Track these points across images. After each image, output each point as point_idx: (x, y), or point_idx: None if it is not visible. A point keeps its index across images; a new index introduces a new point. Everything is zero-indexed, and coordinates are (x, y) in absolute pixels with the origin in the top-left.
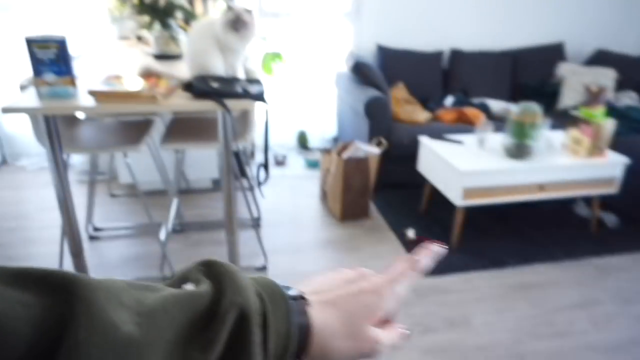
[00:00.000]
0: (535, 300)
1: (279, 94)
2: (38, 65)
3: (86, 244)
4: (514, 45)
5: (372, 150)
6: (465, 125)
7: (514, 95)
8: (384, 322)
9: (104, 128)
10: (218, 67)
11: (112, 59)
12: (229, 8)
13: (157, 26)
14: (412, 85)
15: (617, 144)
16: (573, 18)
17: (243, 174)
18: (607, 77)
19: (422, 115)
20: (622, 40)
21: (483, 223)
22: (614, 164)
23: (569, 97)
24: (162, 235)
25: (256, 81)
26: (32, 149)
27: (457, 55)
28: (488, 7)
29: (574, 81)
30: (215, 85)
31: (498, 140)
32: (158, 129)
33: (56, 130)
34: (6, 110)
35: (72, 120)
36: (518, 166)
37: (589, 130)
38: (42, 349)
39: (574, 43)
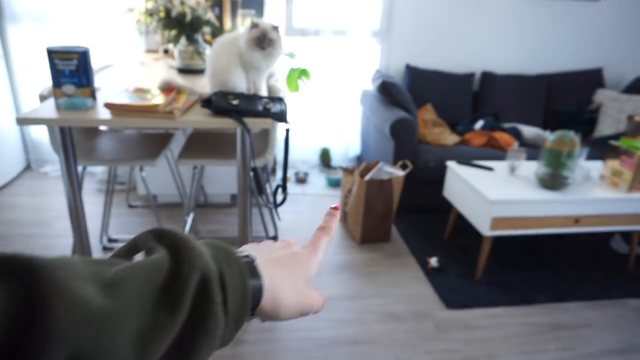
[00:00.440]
0: (566, 342)
1: (303, 110)
2: (58, 76)
3: (99, 254)
4: (549, 70)
5: (397, 173)
6: (494, 150)
7: (547, 121)
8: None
9: (124, 140)
10: (239, 83)
11: (137, 71)
12: (254, 24)
13: (182, 40)
14: (440, 107)
15: None
16: (612, 44)
17: (261, 191)
18: None
19: (450, 138)
20: None
21: (511, 254)
22: None
23: (607, 126)
24: None
25: (278, 99)
26: (56, 156)
27: (488, 77)
28: (522, 30)
29: (613, 109)
30: (235, 102)
31: (531, 168)
32: (179, 141)
33: (71, 141)
34: (21, 121)
35: (92, 131)
36: (552, 197)
37: (631, 162)
38: (13, 336)
39: (613, 70)
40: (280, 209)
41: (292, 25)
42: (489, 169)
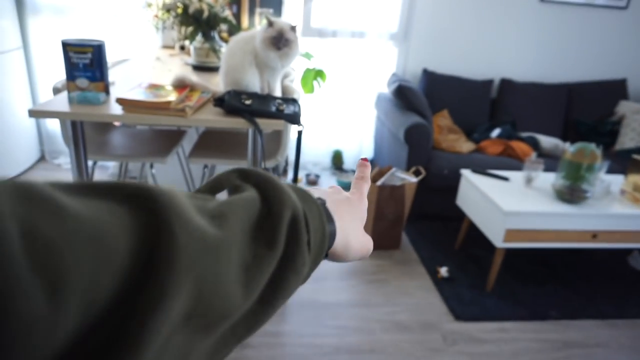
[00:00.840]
0: None
1: (317, 111)
2: (72, 69)
3: None
4: (570, 79)
5: (409, 179)
6: (511, 159)
7: (567, 131)
8: None
9: (136, 135)
10: (253, 83)
11: (152, 66)
12: (270, 23)
13: (199, 37)
14: (457, 113)
15: None
16: (638, 55)
17: None
18: None
19: (465, 145)
20: None
21: (524, 267)
22: None
23: (629, 138)
24: None
25: (292, 100)
26: None
27: (507, 84)
28: (544, 37)
29: (636, 122)
30: (248, 102)
31: (548, 180)
32: (191, 138)
33: (82, 135)
34: (33, 113)
35: (104, 126)
36: (570, 211)
37: None
38: (142, 257)
39: (637, 81)
40: None
41: (310, 26)
42: (505, 178)
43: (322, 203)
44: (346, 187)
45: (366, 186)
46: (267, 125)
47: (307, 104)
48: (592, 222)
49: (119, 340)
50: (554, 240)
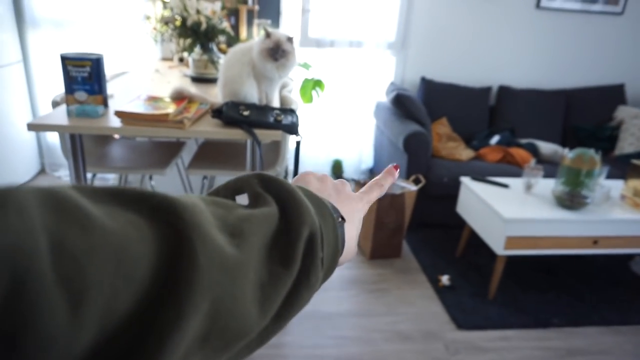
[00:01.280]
0: None
1: (316, 121)
2: (70, 83)
3: None
4: (568, 85)
5: (409, 187)
6: (510, 166)
7: (566, 137)
8: None
9: (135, 148)
10: (251, 94)
11: (151, 78)
12: (267, 34)
13: (197, 49)
14: (455, 121)
15: None
16: (635, 60)
17: None
18: None
19: (464, 153)
20: None
21: (525, 274)
22: None
23: (628, 143)
24: None
25: (290, 111)
26: None
27: (505, 91)
28: (541, 44)
29: (635, 126)
30: (245, 113)
31: (548, 186)
32: (190, 149)
33: (81, 148)
34: (32, 127)
35: (103, 138)
36: (570, 217)
37: None
38: (162, 275)
39: (635, 86)
40: None
41: (308, 36)
42: (504, 185)
43: (338, 215)
44: None
45: (377, 194)
46: (265, 135)
47: (306, 114)
48: (593, 227)
49: (134, 358)
50: (555, 247)
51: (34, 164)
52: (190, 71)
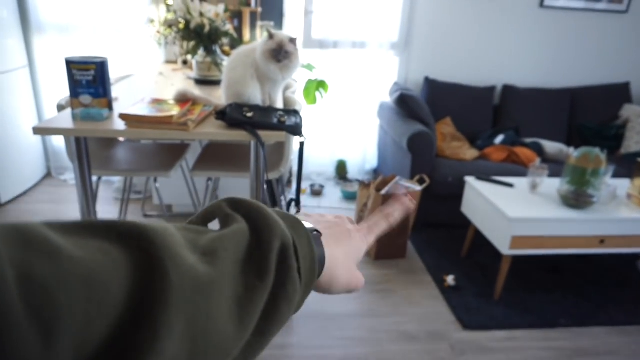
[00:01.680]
0: None
1: (320, 122)
2: (75, 87)
3: None
4: (573, 83)
5: (413, 187)
6: (515, 165)
7: (571, 136)
8: None
9: (140, 150)
10: (255, 95)
11: (155, 81)
12: (271, 35)
13: (201, 51)
14: (460, 120)
15: None
16: (639, 58)
17: (275, 204)
18: None
19: (469, 152)
20: None
21: (531, 274)
22: None
23: (634, 142)
24: None
25: (294, 112)
26: None
27: (510, 91)
28: (546, 43)
29: None
30: (249, 114)
31: (553, 185)
32: (195, 151)
33: (86, 151)
34: (37, 131)
35: (108, 141)
36: (576, 216)
37: None
38: (135, 298)
39: None
40: None
41: (311, 37)
42: (509, 185)
43: (311, 230)
44: (350, 197)
45: (384, 227)
46: (269, 137)
47: (310, 115)
48: (599, 227)
49: None
50: (561, 247)
51: (40, 168)
52: (194, 74)
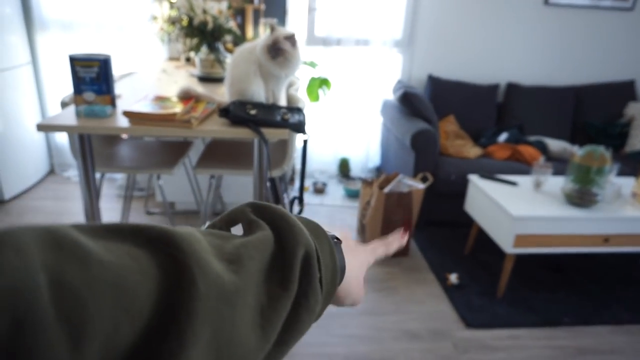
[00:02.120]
0: None
1: (323, 119)
2: (79, 83)
3: None
4: (578, 81)
5: (416, 185)
6: (519, 163)
7: (575, 134)
8: None
9: (143, 147)
10: (258, 92)
11: (159, 78)
12: (272, 30)
13: (204, 48)
14: (463, 118)
15: None
16: None
17: (277, 202)
18: None
19: (472, 150)
20: None
21: (535, 272)
22: None
23: (639, 140)
24: None
25: (297, 109)
26: None
27: (513, 89)
28: (550, 40)
29: None
30: (253, 112)
31: (557, 184)
32: (198, 149)
33: (90, 148)
34: (41, 127)
35: (112, 138)
36: (580, 215)
37: None
38: (162, 306)
39: None
40: None
41: (314, 35)
42: (513, 183)
43: (333, 237)
44: (353, 194)
45: (381, 253)
46: (272, 134)
47: (313, 112)
48: (604, 225)
49: None
50: (565, 245)
51: (44, 165)
52: (197, 71)
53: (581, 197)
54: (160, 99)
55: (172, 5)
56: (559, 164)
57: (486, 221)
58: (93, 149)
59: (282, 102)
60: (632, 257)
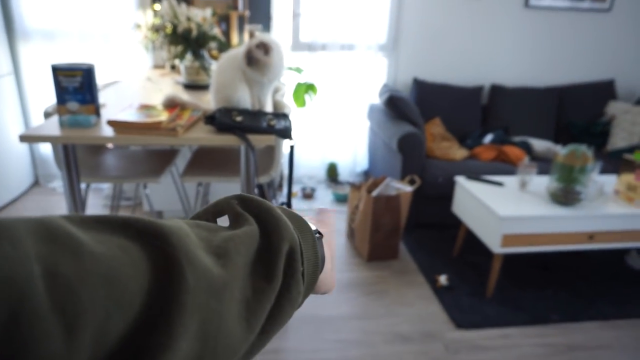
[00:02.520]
0: None
1: (310, 125)
2: (62, 93)
3: None
4: (560, 82)
5: (404, 188)
6: (504, 164)
7: (559, 134)
8: None
9: (129, 156)
10: (244, 99)
11: (143, 87)
12: (250, 38)
13: (188, 56)
14: (449, 120)
15: None
16: (624, 55)
17: None
18: None
19: (458, 152)
20: None
21: (523, 272)
22: None
23: (620, 138)
24: None
25: (283, 115)
26: None
27: (497, 90)
28: (532, 42)
29: (626, 121)
30: (238, 118)
31: (542, 183)
32: (185, 156)
33: (74, 158)
34: (24, 138)
35: (97, 148)
36: (565, 213)
37: None
38: (153, 297)
39: (625, 81)
40: None
41: (299, 40)
42: (499, 184)
43: (315, 231)
44: (342, 199)
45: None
46: (259, 141)
47: (300, 118)
48: (588, 223)
49: None
50: (551, 243)
51: (28, 176)
52: (182, 78)
53: (565, 196)
54: (146, 108)
55: (155, 13)
56: (544, 164)
57: (474, 222)
58: (78, 159)
59: (268, 108)
60: (617, 253)
